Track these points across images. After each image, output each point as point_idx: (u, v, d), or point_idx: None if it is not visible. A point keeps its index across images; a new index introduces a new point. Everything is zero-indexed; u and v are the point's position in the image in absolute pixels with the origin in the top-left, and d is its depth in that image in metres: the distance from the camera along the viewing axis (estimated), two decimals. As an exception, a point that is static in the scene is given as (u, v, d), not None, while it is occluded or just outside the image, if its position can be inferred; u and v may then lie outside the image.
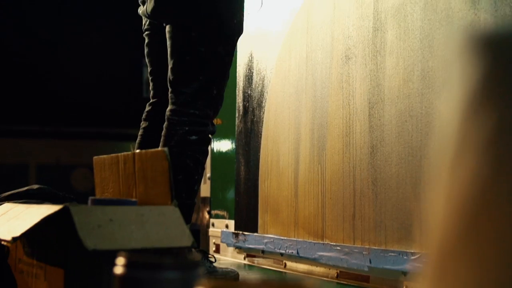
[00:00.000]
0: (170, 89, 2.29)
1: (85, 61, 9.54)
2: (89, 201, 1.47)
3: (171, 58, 2.28)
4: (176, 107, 2.26)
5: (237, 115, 4.14)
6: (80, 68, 9.56)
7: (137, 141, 2.53)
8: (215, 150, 3.71)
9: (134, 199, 1.56)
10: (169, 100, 2.29)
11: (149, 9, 2.32)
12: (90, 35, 9.39)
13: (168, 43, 2.29)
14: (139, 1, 2.42)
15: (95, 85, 9.72)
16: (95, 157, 1.79)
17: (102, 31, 9.43)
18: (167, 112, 2.27)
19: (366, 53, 2.21)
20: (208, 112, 2.27)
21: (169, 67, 2.29)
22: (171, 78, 2.28)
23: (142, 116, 2.54)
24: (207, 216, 3.66)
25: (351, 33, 2.33)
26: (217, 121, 2.53)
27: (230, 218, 3.35)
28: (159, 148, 1.94)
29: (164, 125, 2.26)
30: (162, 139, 2.25)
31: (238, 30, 2.33)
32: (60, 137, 10.45)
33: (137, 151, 1.63)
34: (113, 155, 1.70)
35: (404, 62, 1.95)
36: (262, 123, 3.46)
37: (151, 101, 2.54)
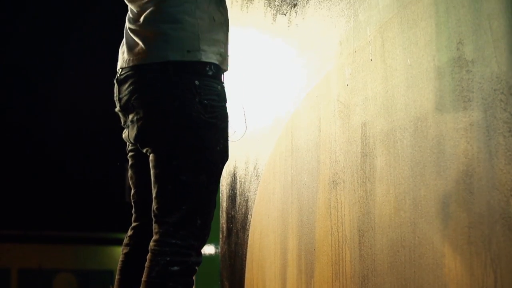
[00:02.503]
0: (153, 219, 2.22)
1: (67, 166, 9.51)
2: None
3: (154, 186, 2.23)
4: (158, 237, 2.19)
5: (220, 236, 4.05)
6: (61, 173, 9.52)
7: (118, 267, 2.45)
8: (198, 272, 3.58)
9: None
10: (153, 230, 2.22)
11: (131, 136, 2.29)
12: (75, 141, 9.40)
13: (151, 171, 2.24)
14: (122, 124, 2.39)
15: (77, 189, 9.66)
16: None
17: (85, 134, 9.46)
18: (151, 243, 2.20)
19: (354, 179, 2.15)
20: (192, 243, 2.19)
21: (153, 195, 2.23)
22: (154, 208, 2.23)
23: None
24: None
25: (338, 158, 2.28)
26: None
27: None
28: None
29: (147, 256, 2.19)
30: (145, 270, 2.18)
31: (222, 158, 2.28)
32: (42, 242, 10.31)
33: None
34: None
35: (395, 190, 1.89)
36: (247, 245, 3.37)
37: (133, 224, 2.47)
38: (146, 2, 2.28)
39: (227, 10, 2.41)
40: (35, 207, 9.58)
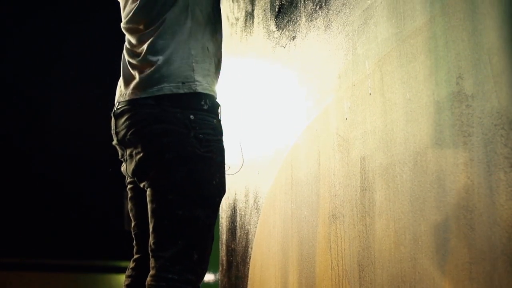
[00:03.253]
0: (150, 253, 2.21)
1: (65, 194, 9.48)
2: None
3: (150, 221, 2.22)
4: (155, 272, 2.18)
5: (220, 269, 4.01)
6: (59, 200, 9.49)
7: None
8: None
9: None
10: (150, 265, 2.20)
11: (129, 170, 2.28)
12: (73, 169, 9.37)
13: (148, 205, 2.23)
14: (120, 157, 2.38)
15: (75, 216, 9.62)
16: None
17: (84, 161, 9.43)
18: (148, 278, 2.19)
19: (354, 213, 2.14)
20: (189, 277, 2.16)
21: (150, 230, 2.22)
22: (150, 242, 2.21)
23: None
24: None
25: (338, 192, 2.27)
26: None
27: None
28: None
29: None
30: None
31: (219, 192, 2.26)
32: (41, 270, 10.23)
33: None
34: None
35: (395, 225, 1.87)
36: (247, 279, 3.34)
37: (134, 257, 2.47)
38: (143, 34, 2.28)
39: (221, 40, 2.41)
40: (34, 235, 9.55)
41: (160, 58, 2.24)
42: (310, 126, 2.57)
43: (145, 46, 2.27)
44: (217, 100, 2.33)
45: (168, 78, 2.22)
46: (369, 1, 2.09)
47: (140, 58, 2.28)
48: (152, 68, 2.24)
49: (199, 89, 2.24)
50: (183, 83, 2.23)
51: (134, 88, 2.27)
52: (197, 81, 2.24)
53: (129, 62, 2.33)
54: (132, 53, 2.32)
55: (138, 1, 2.29)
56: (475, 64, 1.53)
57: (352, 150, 2.18)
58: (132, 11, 2.31)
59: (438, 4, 1.70)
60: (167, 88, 2.22)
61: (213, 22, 2.36)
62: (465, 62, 1.57)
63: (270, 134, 3.10)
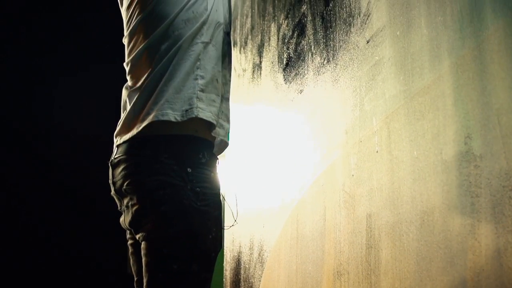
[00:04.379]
0: None
1: (66, 238, 9.41)
2: None
3: (144, 275, 2.17)
4: None
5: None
6: (61, 245, 9.42)
7: None
8: None
9: None
10: None
11: (127, 222, 2.25)
12: (74, 212, 9.33)
13: (143, 259, 2.19)
14: (119, 208, 2.35)
15: (78, 261, 9.53)
16: None
17: (84, 205, 9.39)
18: None
19: (359, 270, 2.10)
20: None
21: (144, 284, 2.17)
22: None
23: None
24: None
25: (343, 248, 2.23)
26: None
27: None
28: None
29: None
30: None
31: (215, 246, 2.22)
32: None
33: None
34: None
35: (401, 284, 1.83)
36: (249, 334, 3.29)
37: None
38: (145, 71, 2.26)
39: (230, 79, 2.41)
40: (36, 281, 9.47)
41: (165, 87, 2.21)
42: (316, 181, 2.55)
43: (148, 83, 2.24)
44: (219, 151, 2.31)
45: (173, 105, 2.20)
46: (377, 57, 2.10)
47: (141, 91, 2.25)
48: (158, 98, 2.21)
49: (201, 115, 2.22)
50: (186, 110, 2.21)
51: (140, 120, 2.22)
52: (199, 107, 2.22)
53: (128, 100, 2.30)
54: (132, 92, 2.29)
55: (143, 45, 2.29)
56: (483, 124, 1.52)
57: (358, 206, 2.15)
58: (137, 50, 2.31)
59: (446, 62, 1.69)
60: (172, 115, 2.19)
61: (224, 58, 2.36)
62: (473, 122, 1.56)
63: (276, 187, 3.08)
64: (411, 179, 1.82)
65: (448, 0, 1.71)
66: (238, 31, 4.51)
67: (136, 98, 2.25)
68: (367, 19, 2.20)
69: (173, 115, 2.19)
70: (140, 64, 2.30)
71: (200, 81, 2.25)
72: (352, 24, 2.32)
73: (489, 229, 1.47)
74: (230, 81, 2.41)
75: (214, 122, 2.27)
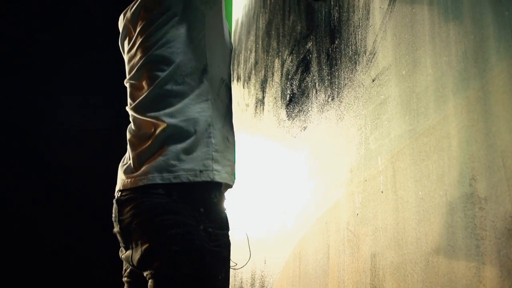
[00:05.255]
0: None
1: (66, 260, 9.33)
2: None
3: None
4: None
5: None
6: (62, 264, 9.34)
7: None
8: None
9: None
10: None
11: (135, 259, 2.20)
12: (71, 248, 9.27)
13: None
14: (121, 244, 2.31)
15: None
16: None
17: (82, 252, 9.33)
18: None
19: (363, 311, 2.08)
20: None
21: None
22: None
23: None
24: None
25: None
26: None
27: None
28: None
29: None
30: None
31: (224, 287, 2.19)
32: None
33: None
34: None
35: (405, 326, 1.82)
36: None
37: None
38: (152, 118, 2.25)
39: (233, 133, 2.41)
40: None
41: (178, 146, 2.21)
42: (320, 218, 2.54)
43: (160, 132, 2.22)
44: (228, 190, 2.31)
45: (186, 165, 2.20)
46: (382, 96, 2.10)
47: (153, 143, 2.24)
48: (169, 155, 2.21)
49: (217, 178, 2.21)
50: (200, 171, 2.21)
51: (144, 172, 2.20)
52: (215, 170, 2.22)
53: (136, 144, 2.28)
54: (141, 137, 2.28)
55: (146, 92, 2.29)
56: (488, 166, 1.51)
57: (363, 246, 2.14)
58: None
59: (451, 103, 1.69)
60: (184, 176, 2.19)
61: (230, 114, 2.37)
62: (478, 163, 1.55)
63: (279, 223, 3.07)
64: (416, 219, 1.81)
65: (453, 41, 1.72)
66: (242, 65, 4.52)
67: (142, 150, 2.24)
68: (372, 57, 2.21)
69: (185, 176, 2.18)
70: (143, 115, 2.29)
71: (213, 141, 2.24)
72: (357, 62, 2.33)
73: (494, 272, 1.46)
74: (233, 130, 2.41)
75: (231, 183, 2.27)
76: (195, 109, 2.24)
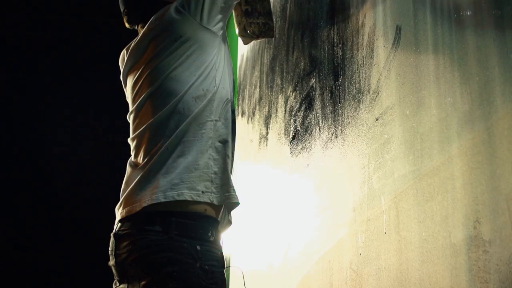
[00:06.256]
0: None
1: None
2: None
3: None
4: None
5: None
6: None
7: None
8: None
9: None
10: None
11: None
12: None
13: None
14: (115, 277, 2.30)
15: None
16: None
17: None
18: None
19: None
20: None
21: None
22: None
23: None
24: None
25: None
26: None
27: None
28: None
29: None
30: None
31: None
32: None
33: None
34: None
35: None
36: None
37: None
38: (153, 147, 2.25)
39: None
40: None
41: (181, 165, 2.20)
42: (323, 257, 2.52)
43: (154, 155, 2.23)
44: (235, 208, 2.30)
45: (189, 184, 2.19)
46: (386, 136, 2.10)
47: (155, 163, 2.22)
48: (171, 175, 2.19)
49: (216, 201, 2.21)
50: (203, 192, 2.20)
51: (147, 195, 2.18)
52: (213, 192, 2.22)
53: (134, 175, 2.27)
54: (142, 167, 2.25)
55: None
56: (493, 209, 1.51)
57: (366, 286, 2.12)
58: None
59: (455, 144, 1.69)
60: (188, 194, 2.18)
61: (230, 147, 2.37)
62: (482, 206, 1.55)
63: (282, 260, 3.05)
64: (420, 260, 1.80)
65: (458, 82, 1.72)
66: (246, 100, 4.54)
67: (143, 173, 2.23)
68: (376, 96, 2.21)
69: (189, 195, 2.18)
70: (147, 140, 2.29)
71: (213, 163, 2.25)
72: (361, 101, 2.33)
73: (499, 316, 1.44)
74: (234, 156, 2.42)
75: (235, 200, 2.27)
76: (198, 129, 2.25)
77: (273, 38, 3.42)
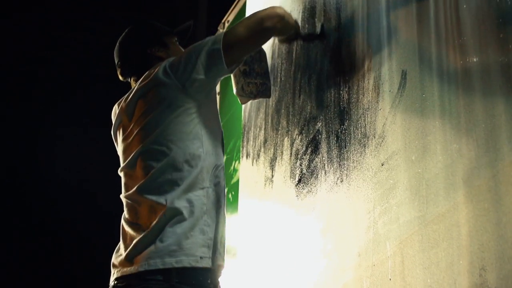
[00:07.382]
0: None
1: None
2: None
3: None
4: None
5: None
6: None
7: None
8: None
9: None
10: None
11: None
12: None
13: None
14: None
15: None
16: None
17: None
18: None
19: None
20: None
21: None
22: None
23: None
24: None
25: None
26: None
27: None
28: None
29: None
30: None
31: None
32: None
33: None
34: None
35: None
36: None
37: None
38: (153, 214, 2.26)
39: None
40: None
41: (178, 231, 2.21)
42: (327, 302, 2.50)
43: (160, 218, 2.23)
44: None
45: (187, 251, 2.19)
46: (391, 181, 2.09)
47: (153, 228, 2.23)
48: (168, 240, 2.20)
49: (213, 266, 2.24)
50: (201, 257, 2.21)
51: (144, 259, 2.19)
52: (210, 257, 2.23)
53: (136, 233, 2.28)
54: (140, 225, 2.28)
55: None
56: (499, 256, 1.50)
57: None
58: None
59: (461, 191, 1.69)
60: (186, 261, 2.18)
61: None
62: (488, 253, 1.54)
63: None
64: (425, 308, 1.78)
65: (464, 128, 1.72)
66: (251, 142, 4.54)
67: (140, 238, 2.23)
68: (382, 141, 2.21)
69: (187, 261, 2.18)
70: (141, 202, 2.30)
71: (208, 229, 2.26)
72: (366, 145, 2.33)
73: None
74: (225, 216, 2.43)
75: (223, 264, 2.31)
76: (191, 196, 2.26)
77: (278, 80, 3.43)
